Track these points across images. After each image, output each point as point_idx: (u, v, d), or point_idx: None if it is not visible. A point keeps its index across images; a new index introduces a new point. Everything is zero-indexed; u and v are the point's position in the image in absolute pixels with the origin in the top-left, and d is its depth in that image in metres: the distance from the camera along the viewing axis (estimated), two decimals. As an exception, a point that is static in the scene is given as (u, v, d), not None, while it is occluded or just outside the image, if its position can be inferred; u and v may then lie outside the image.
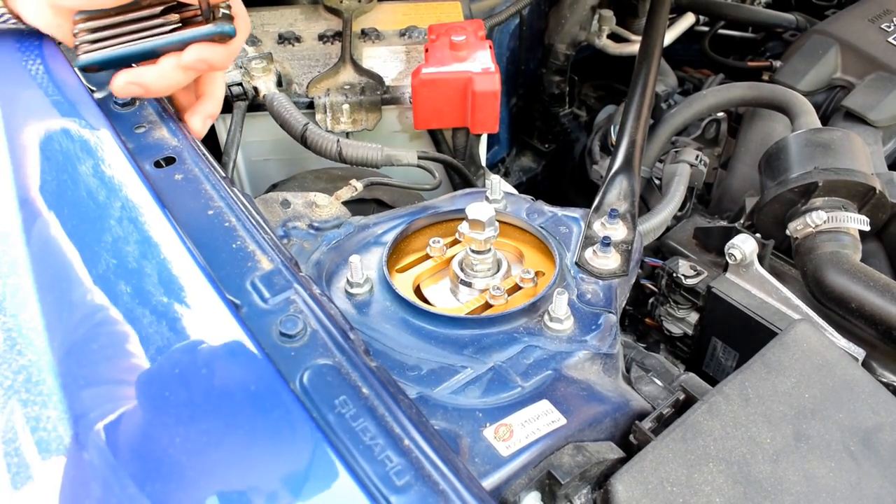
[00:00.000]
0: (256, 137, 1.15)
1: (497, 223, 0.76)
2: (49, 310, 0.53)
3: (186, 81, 0.72)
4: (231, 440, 0.45)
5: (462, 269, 0.79)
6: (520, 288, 0.79)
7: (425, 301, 0.81)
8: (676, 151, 1.24)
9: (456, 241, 0.84)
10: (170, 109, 0.73)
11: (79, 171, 0.63)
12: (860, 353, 0.85)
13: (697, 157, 1.22)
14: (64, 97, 0.70)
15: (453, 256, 0.81)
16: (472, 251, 0.78)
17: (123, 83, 0.69)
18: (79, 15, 0.69)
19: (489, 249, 0.78)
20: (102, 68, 0.70)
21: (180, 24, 0.68)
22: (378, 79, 1.13)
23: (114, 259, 0.56)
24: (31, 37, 0.76)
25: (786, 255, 0.97)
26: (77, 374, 0.49)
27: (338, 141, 1.00)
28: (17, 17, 0.73)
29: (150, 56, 0.69)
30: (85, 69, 0.70)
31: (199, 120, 0.75)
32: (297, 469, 0.43)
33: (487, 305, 0.77)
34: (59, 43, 0.76)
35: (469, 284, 0.78)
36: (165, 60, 0.69)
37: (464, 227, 0.76)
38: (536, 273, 0.80)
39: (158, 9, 0.69)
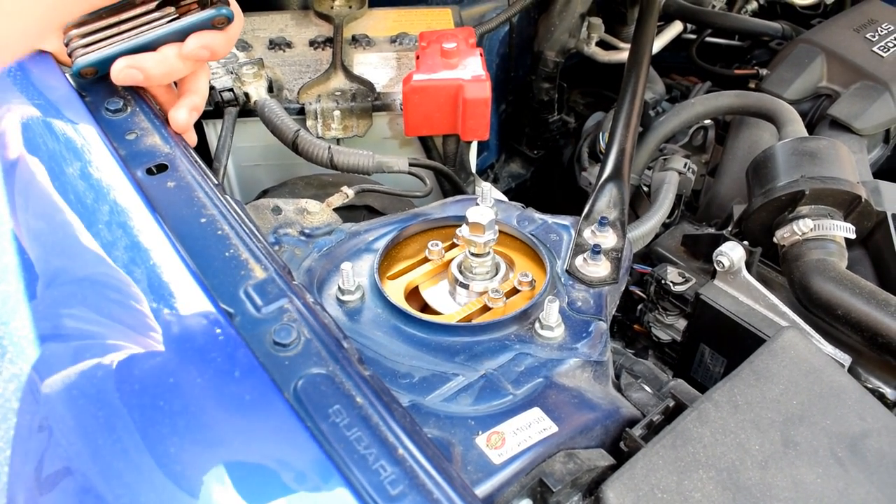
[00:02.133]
0: (247, 143, 1.15)
1: (496, 227, 0.77)
2: (40, 318, 0.53)
3: (186, 72, 0.71)
4: (225, 450, 0.45)
5: (461, 272, 0.80)
6: (517, 291, 0.80)
7: (423, 302, 0.81)
8: (665, 159, 1.25)
9: (453, 245, 0.84)
10: (161, 116, 0.72)
11: (69, 178, 0.62)
12: (846, 359, 0.86)
13: (685, 164, 1.23)
14: (54, 103, 0.70)
15: (452, 259, 0.82)
16: (472, 254, 0.78)
17: (123, 67, 0.68)
18: (69, 23, 0.69)
19: (488, 253, 0.78)
20: (99, 71, 0.69)
21: (177, 17, 0.68)
22: (369, 85, 1.13)
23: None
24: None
25: (773, 262, 0.98)
26: (69, 384, 0.49)
27: (329, 147, 1.00)
28: None
29: (149, 50, 0.69)
30: (81, 74, 0.69)
31: (185, 111, 0.72)
32: (291, 479, 0.43)
33: (486, 308, 0.78)
34: None
35: (467, 287, 0.79)
36: (166, 48, 0.68)
37: (464, 230, 0.77)
38: (529, 280, 0.81)
39: (153, 4, 0.68)
